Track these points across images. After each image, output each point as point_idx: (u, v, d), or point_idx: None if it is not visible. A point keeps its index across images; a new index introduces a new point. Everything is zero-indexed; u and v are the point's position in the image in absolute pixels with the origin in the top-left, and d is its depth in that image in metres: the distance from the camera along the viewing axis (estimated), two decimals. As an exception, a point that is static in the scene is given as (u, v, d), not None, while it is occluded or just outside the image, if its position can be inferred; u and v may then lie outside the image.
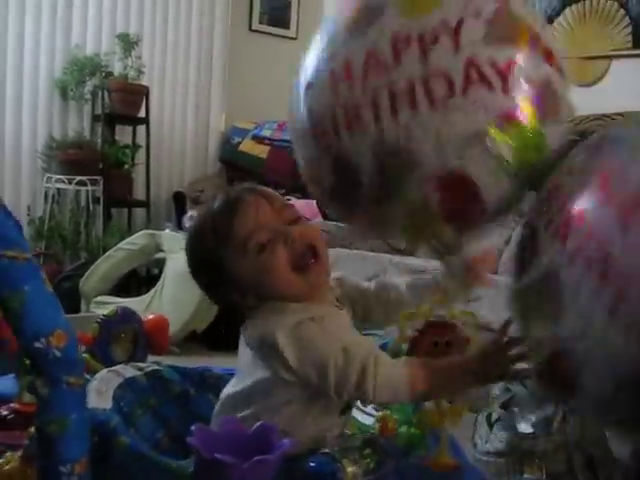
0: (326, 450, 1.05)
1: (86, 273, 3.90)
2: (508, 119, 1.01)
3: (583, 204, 0.91)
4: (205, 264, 1.22)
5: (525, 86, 1.02)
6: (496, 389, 2.10)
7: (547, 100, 1.05)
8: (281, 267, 1.16)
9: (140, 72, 4.69)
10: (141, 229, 4.36)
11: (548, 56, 1.06)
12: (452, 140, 1.00)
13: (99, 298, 3.80)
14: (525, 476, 1.81)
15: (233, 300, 1.21)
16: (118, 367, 1.40)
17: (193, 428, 0.97)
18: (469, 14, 1.02)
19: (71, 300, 3.85)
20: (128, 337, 1.69)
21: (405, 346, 1.13)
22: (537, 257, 0.96)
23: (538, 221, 1.00)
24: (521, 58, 1.03)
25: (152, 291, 3.76)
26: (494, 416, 1.96)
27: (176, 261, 3.54)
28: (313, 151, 1.14)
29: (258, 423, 1.00)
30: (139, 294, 3.91)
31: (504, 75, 1.01)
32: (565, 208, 0.94)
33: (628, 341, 0.84)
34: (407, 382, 1.05)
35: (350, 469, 1.01)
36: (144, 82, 4.76)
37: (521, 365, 1.05)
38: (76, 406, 0.98)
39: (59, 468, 0.97)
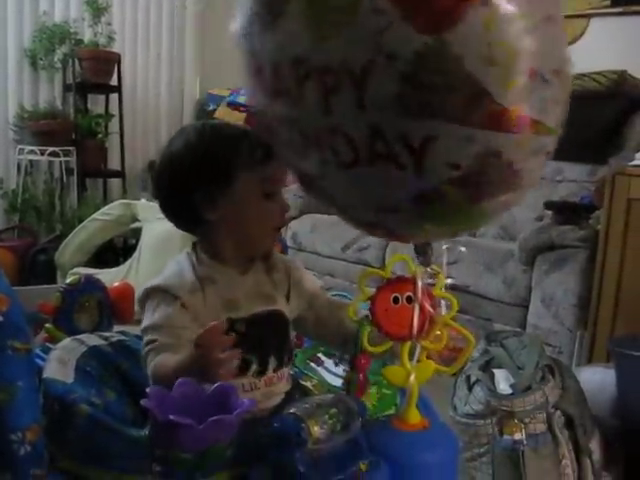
0: (291, 410, 1.02)
1: (61, 245, 3.85)
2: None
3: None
4: (213, 162, 1.22)
5: None
6: (475, 351, 2.08)
7: None
8: (269, 222, 1.27)
9: (111, 39, 4.62)
10: (117, 199, 4.30)
11: None
12: None
13: (75, 270, 3.75)
14: (505, 437, 1.79)
15: (197, 206, 1.22)
16: (82, 336, 1.38)
17: (148, 390, 0.93)
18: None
19: (47, 273, 3.82)
20: (92, 306, 1.65)
21: (366, 304, 1.10)
22: None
23: None
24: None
25: (129, 261, 3.72)
26: (473, 378, 1.94)
27: (152, 230, 3.49)
28: None
29: (216, 384, 0.97)
30: (117, 265, 3.87)
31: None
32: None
33: None
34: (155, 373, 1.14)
35: (315, 429, 0.98)
36: (115, 49, 4.69)
37: None
38: (24, 372, 0.94)
39: (9, 436, 0.93)
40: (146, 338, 1.19)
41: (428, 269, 1.13)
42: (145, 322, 1.21)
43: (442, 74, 0.87)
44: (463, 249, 2.71)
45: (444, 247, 1.23)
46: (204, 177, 1.21)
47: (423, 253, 1.15)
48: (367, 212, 1.07)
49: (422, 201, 0.98)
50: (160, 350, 1.15)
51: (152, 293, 1.23)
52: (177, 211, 1.28)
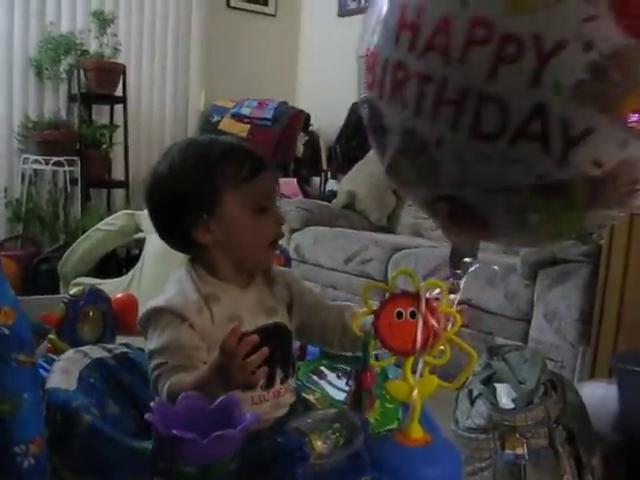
0: (294, 425, 1.02)
1: (64, 255, 3.85)
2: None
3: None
4: (197, 187, 1.21)
5: None
6: (477, 365, 2.08)
7: None
8: (265, 238, 1.25)
9: (116, 50, 4.63)
10: (120, 210, 4.30)
11: None
12: None
13: (78, 280, 3.74)
14: (507, 451, 1.79)
15: (189, 231, 1.22)
16: (85, 348, 1.38)
17: (152, 404, 0.94)
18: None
19: (50, 283, 3.82)
20: (96, 317, 1.65)
21: (370, 318, 1.10)
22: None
23: None
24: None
25: (131, 272, 3.71)
26: (475, 392, 1.94)
27: (155, 241, 3.48)
28: None
29: (220, 398, 0.97)
30: (119, 275, 3.86)
31: None
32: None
33: None
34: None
35: (318, 444, 0.98)
36: (120, 60, 4.69)
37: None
38: (28, 385, 0.94)
39: (13, 449, 0.93)
40: (154, 362, 1.16)
41: (457, 282, 1.14)
42: (151, 345, 1.18)
43: (630, 76, 0.89)
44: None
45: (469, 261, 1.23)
46: (190, 203, 1.20)
47: (459, 265, 1.15)
48: (470, 191, 1.04)
49: (543, 191, 0.98)
50: (172, 372, 1.12)
51: (156, 315, 1.20)
52: (169, 233, 1.27)
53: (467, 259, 1.22)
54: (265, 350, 1.03)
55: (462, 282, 1.20)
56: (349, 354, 1.46)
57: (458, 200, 1.06)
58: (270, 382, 1.24)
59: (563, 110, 0.92)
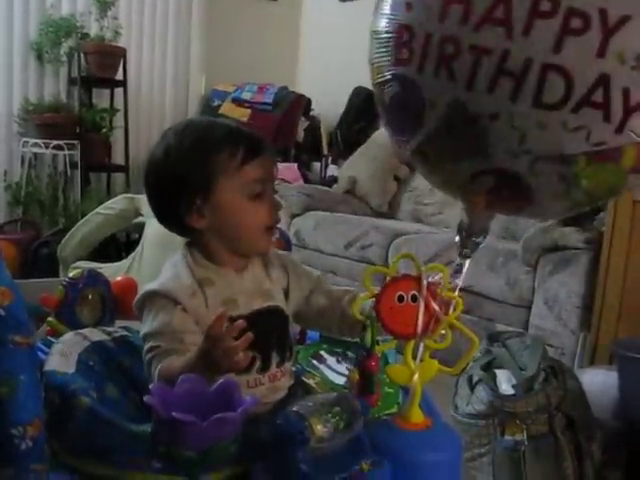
0: (294, 408, 1.01)
1: (64, 239, 3.84)
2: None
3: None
4: (191, 172, 1.19)
5: None
6: (477, 351, 2.08)
7: None
8: (260, 223, 1.23)
9: (117, 33, 4.62)
10: (120, 194, 4.29)
11: None
12: None
13: (78, 264, 3.73)
14: (506, 437, 1.79)
15: (183, 216, 1.21)
16: (85, 330, 1.36)
17: (151, 387, 0.93)
18: None
19: (49, 266, 3.81)
20: (95, 300, 1.64)
21: (370, 302, 1.10)
22: None
23: None
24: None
25: (131, 256, 3.70)
26: (475, 378, 1.94)
27: (155, 225, 3.46)
28: None
29: (220, 380, 0.96)
30: (119, 259, 3.85)
31: None
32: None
33: None
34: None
35: (318, 427, 0.97)
36: (121, 44, 4.68)
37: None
38: (25, 366, 0.93)
39: (10, 431, 0.92)
40: (148, 345, 1.17)
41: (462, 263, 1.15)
42: (145, 328, 1.19)
43: None
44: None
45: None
46: (184, 188, 1.19)
47: (468, 244, 1.15)
48: (524, 161, 1.05)
49: (599, 157, 1.01)
50: (164, 355, 1.13)
51: (150, 298, 1.20)
52: (166, 217, 1.27)
53: (477, 239, 1.22)
54: (249, 335, 1.02)
55: (467, 263, 1.21)
56: (348, 339, 1.45)
57: (506, 171, 1.08)
58: (266, 365, 1.23)
59: (625, 80, 0.95)
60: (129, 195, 3.98)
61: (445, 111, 1.06)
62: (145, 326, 1.19)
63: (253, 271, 1.28)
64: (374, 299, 1.09)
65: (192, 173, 1.19)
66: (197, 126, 1.27)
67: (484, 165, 1.09)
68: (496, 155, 1.06)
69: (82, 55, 4.53)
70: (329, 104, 5.06)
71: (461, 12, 1.01)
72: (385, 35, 1.14)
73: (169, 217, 1.25)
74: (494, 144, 1.05)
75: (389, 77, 1.14)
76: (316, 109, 5.17)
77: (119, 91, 4.75)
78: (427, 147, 1.15)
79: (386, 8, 1.15)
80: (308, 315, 1.35)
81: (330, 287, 1.38)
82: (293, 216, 4.02)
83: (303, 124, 5.07)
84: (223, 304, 1.20)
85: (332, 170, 4.87)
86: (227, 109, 4.92)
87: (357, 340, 1.30)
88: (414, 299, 1.07)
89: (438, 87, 1.06)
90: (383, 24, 1.14)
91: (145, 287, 1.22)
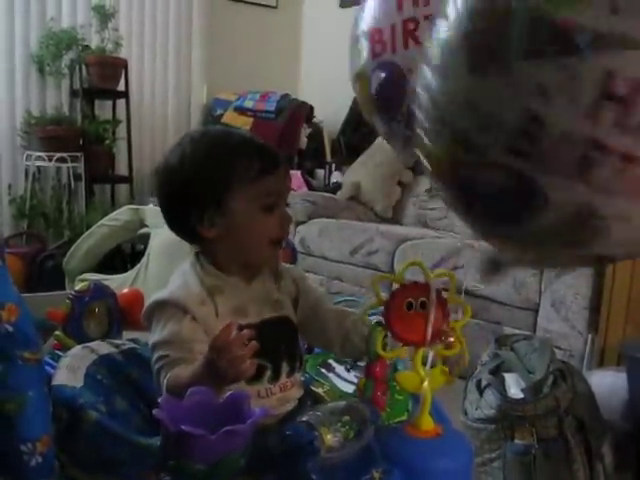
0: (304, 418, 1.01)
1: (69, 251, 3.85)
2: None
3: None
4: (205, 181, 1.20)
5: None
6: (485, 355, 2.07)
7: None
8: (267, 235, 1.22)
9: (118, 45, 4.62)
10: (124, 205, 4.29)
11: None
12: None
13: (83, 276, 3.74)
14: (516, 441, 1.79)
15: (194, 224, 1.21)
16: (92, 344, 1.36)
17: (160, 400, 0.93)
18: None
19: (55, 279, 3.81)
20: (102, 312, 1.64)
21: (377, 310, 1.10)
22: None
23: None
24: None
25: (137, 267, 3.70)
26: (484, 382, 1.93)
27: (160, 236, 3.48)
28: None
29: (228, 392, 0.96)
30: (124, 271, 3.85)
31: None
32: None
33: None
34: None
35: (328, 437, 0.97)
36: (122, 55, 4.68)
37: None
38: (34, 382, 0.93)
39: (20, 447, 0.92)
40: (156, 354, 1.16)
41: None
42: (154, 338, 1.18)
43: None
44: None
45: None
46: (197, 196, 1.20)
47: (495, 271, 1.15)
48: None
49: None
50: (173, 365, 1.12)
51: (159, 307, 1.20)
52: (176, 225, 1.26)
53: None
54: (254, 344, 1.02)
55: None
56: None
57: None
58: (276, 375, 1.23)
59: None
60: (133, 206, 3.99)
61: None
62: (154, 335, 1.19)
63: (263, 281, 1.28)
64: (383, 306, 1.09)
65: (206, 182, 1.19)
66: (214, 135, 1.28)
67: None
68: None
69: (83, 67, 4.53)
70: (331, 111, 5.05)
71: None
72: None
73: (180, 224, 1.25)
74: None
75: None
76: (318, 116, 5.17)
77: (121, 102, 4.75)
78: None
79: None
80: (310, 330, 1.34)
81: (332, 306, 1.38)
82: (298, 223, 4.02)
83: (306, 131, 5.07)
84: (233, 312, 1.20)
85: (336, 176, 4.87)
86: (229, 118, 4.92)
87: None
88: (423, 306, 1.07)
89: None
90: None
91: (154, 296, 1.22)
